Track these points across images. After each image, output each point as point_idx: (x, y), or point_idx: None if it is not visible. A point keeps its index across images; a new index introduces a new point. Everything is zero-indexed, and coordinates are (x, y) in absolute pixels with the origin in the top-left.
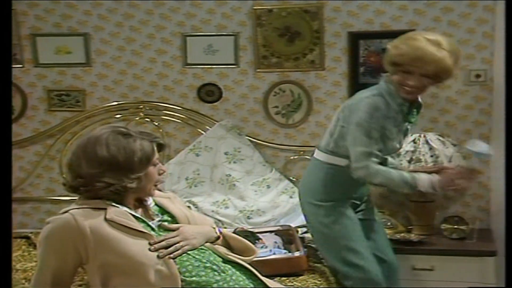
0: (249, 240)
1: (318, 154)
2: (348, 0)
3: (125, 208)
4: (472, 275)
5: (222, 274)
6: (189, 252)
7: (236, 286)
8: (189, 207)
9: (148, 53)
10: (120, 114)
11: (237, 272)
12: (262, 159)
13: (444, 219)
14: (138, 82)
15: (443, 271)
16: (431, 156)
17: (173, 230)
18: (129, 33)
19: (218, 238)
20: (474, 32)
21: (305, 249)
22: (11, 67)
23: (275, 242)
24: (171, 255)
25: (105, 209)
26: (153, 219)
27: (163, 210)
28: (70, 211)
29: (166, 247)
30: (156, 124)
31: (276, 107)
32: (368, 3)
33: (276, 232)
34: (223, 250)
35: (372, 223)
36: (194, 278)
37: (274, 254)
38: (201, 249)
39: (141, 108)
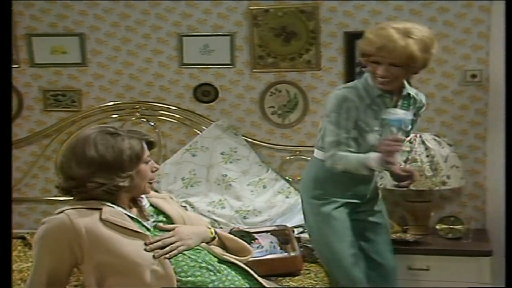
0: (245, 240)
1: (314, 151)
2: (344, 0)
3: (120, 208)
4: (468, 275)
5: (218, 274)
6: (184, 252)
7: (232, 286)
8: (185, 207)
9: (144, 53)
10: (116, 114)
11: (233, 272)
12: (258, 159)
13: (440, 219)
14: (134, 82)
15: (439, 271)
16: (427, 156)
17: (169, 231)
18: (125, 33)
19: (213, 238)
20: (470, 32)
21: (301, 249)
22: (11, 67)
23: (271, 242)
24: (167, 255)
25: (100, 209)
26: (148, 220)
27: (158, 211)
28: (65, 211)
29: (162, 247)
30: (152, 124)
31: (272, 107)
32: (364, 3)
33: (272, 232)
34: (218, 250)
35: (374, 225)
36: (189, 278)
37: (270, 254)
38: (197, 249)
39: (137, 108)
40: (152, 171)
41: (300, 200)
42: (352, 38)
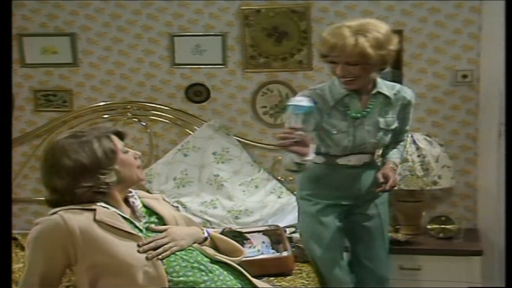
0: (237, 240)
1: None
2: (335, 0)
3: (114, 209)
4: (458, 275)
5: (210, 274)
6: (176, 252)
7: (224, 286)
8: (177, 207)
9: (135, 53)
10: (108, 114)
11: (225, 272)
12: (250, 159)
13: (431, 218)
14: (126, 82)
15: (430, 270)
16: (418, 156)
17: (161, 232)
18: (117, 33)
19: (205, 239)
20: (460, 32)
21: (293, 249)
22: (11, 67)
23: (263, 242)
24: (160, 256)
25: (94, 210)
26: (140, 221)
27: (151, 211)
28: (59, 212)
29: (155, 248)
30: (144, 124)
31: (264, 107)
32: (355, 4)
33: (264, 232)
34: (211, 251)
35: (367, 229)
36: (181, 278)
37: (262, 254)
38: (189, 249)
39: (129, 108)
40: (135, 158)
41: (292, 200)
42: None
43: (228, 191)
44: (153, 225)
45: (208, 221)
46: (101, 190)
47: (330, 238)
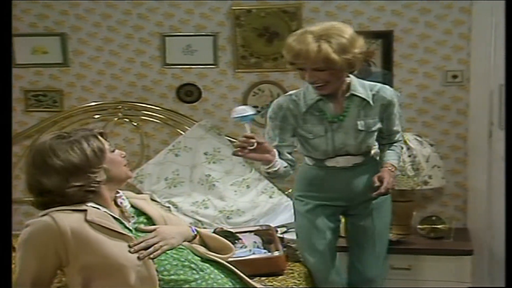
0: (229, 240)
1: None
2: (326, 1)
3: (104, 209)
4: (449, 274)
5: (201, 272)
6: (167, 251)
7: (215, 284)
8: (168, 207)
9: (126, 53)
10: (99, 115)
11: (216, 271)
12: (242, 159)
13: (422, 218)
14: (117, 82)
15: (420, 270)
16: (409, 156)
17: (150, 232)
18: (107, 33)
19: (195, 237)
20: (450, 33)
21: (284, 249)
22: (10, 67)
23: (255, 242)
24: (151, 256)
25: (85, 210)
26: (129, 221)
27: (139, 212)
28: (50, 213)
29: (146, 248)
30: (135, 124)
31: (256, 107)
32: (346, 4)
33: (256, 232)
34: (201, 249)
35: (362, 231)
36: (172, 277)
37: (253, 254)
38: (179, 248)
39: (120, 108)
40: (122, 157)
41: (283, 200)
42: None
43: (220, 191)
44: (142, 225)
45: (199, 221)
46: (92, 189)
47: (319, 238)
